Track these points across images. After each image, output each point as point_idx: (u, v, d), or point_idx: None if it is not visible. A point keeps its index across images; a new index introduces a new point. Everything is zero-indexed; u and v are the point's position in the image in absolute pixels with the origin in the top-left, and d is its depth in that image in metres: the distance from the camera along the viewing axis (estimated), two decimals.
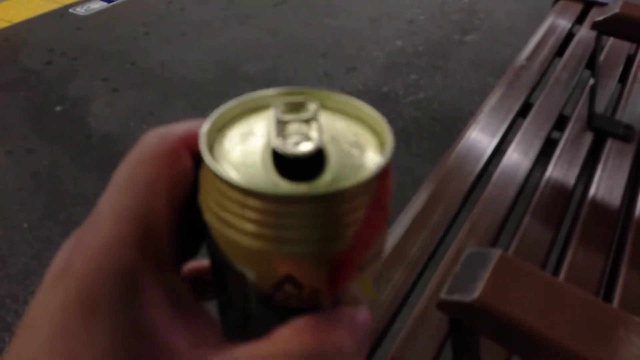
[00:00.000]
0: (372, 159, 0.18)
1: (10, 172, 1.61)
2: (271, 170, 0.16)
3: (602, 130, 1.00)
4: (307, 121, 0.17)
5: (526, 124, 1.06)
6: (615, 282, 0.76)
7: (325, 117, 0.19)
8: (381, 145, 0.18)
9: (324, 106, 0.19)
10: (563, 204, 0.89)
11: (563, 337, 0.41)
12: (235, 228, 0.16)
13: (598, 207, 0.88)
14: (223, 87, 2.00)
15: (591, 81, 1.00)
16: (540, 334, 0.41)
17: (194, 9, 2.59)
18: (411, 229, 0.80)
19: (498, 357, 0.61)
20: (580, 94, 1.13)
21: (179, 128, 0.18)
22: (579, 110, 1.07)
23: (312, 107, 0.18)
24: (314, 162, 0.17)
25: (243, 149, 0.17)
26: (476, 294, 0.42)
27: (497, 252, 0.46)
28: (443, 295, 0.44)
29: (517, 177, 0.93)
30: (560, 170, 0.95)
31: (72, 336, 0.14)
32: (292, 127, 0.17)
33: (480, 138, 1.02)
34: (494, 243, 0.80)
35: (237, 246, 0.16)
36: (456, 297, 0.43)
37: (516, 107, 1.09)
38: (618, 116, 1.04)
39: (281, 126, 0.17)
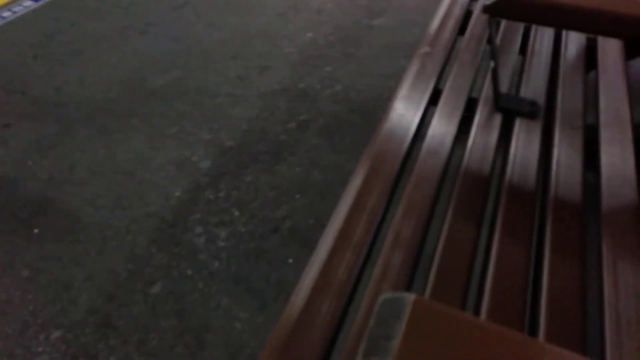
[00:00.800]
0: None
1: None
2: None
3: (509, 110, 1.01)
4: None
5: (438, 111, 1.05)
6: (542, 266, 0.76)
7: None
8: None
9: None
10: (483, 191, 0.88)
11: None
12: None
13: (515, 189, 0.89)
14: (130, 106, 1.86)
15: (492, 64, 0.99)
16: None
17: (87, 23, 2.39)
18: (336, 245, 0.76)
19: None
20: (486, 72, 1.13)
21: None
22: (486, 91, 1.06)
23: None
24: None
25: None
26: (393, 356, 0.38)
27: (410, 299, 0.42)
28: (360, 359, 0.40)
29: (437, 166, 0.91)
30: (476, 158, 0.94)
31: None
32: None
33: (396, 132, 0.99)
34: (420, 250, 0.77)
35: None
36: None
37: (426, 95, 1.07)
38: (522, 92, 1.05)
39: None
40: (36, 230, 1.43)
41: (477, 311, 0.71)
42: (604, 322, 0.70)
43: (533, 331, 0.70)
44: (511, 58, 1.16)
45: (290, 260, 1.32)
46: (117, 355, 1.14)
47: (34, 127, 1.78)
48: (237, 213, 1.45)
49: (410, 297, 0.42)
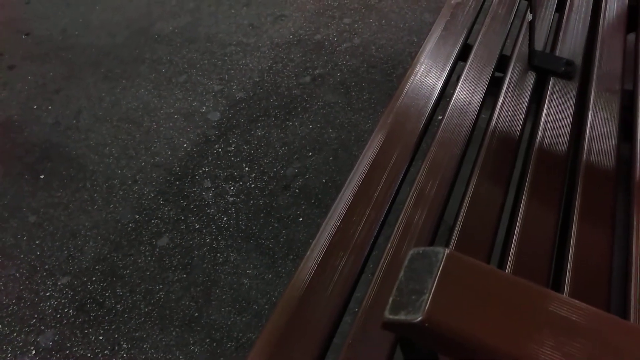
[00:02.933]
0: None
1: None
2: None
3: (544, 69, 0.94)
4: None
5: (467, 68, 0.98)
6: (569, 230, 0.72)
7: None
8: None
9: None
10: (512, 152, 0.83)
11: (524, 350, 0.35)
12: None
13: (546, 152, 0.84)
14: (136, 51, 1.79)
15: (529, 16, 0.92)
16: (497, 350, 0.35)
17: None
18: (356, 201, 0.73)
19: None
20: (519, 30, 1.05)
21: None
22: (520, 49, 0.99)
23: None
24: None
25: None
26: (424, 311, 0.35)
27: (443, 253, 0.38)
28: (388, 314, 0.37)
29: (464, 125, 0.86)
30: (506, 117, 0.89)
31: None
32: None
33: (421, 88, 0.93)
34: (443, 210, 0.73)
35: None
36: (402, 316, 0.36)
37: (455, 50, 1.01)
38: (558, 52, 0.98)
39: None
40: (42, 176, 1.40)
41: None
42: (629, 287, 0.67)
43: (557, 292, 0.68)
44: (548, 14, 1.08)
45: (301, 219, 1.29)
46: (124, 304, 1.13)
47: (39, 70, 1.72)
48: (247, 168, 1.41)
49: (443, 251, 0.39)
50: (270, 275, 1.17)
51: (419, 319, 0.36)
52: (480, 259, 0.69)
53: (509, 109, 0.90)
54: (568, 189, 0.81)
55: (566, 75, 0.94)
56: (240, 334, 1.08)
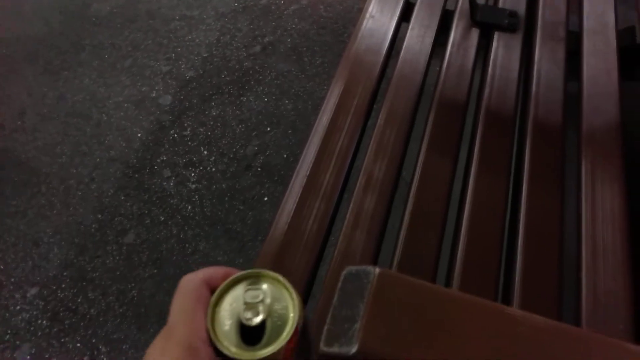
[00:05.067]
0: (287, 329, 0.35)
1: None
2: (235, 333, 0.35)
3: (487, 24, 0.92)
4: (259, 303, 0.36)
5: (410, 29, 0.95)
6: (520, 193, 0.73)
7: (270, 291, 0.37)
8: (294, 317, 0.36)
9: (270, 278, 0.37)
10: (461, 114, 0.82)
11: None
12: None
13: (495, 111, 0.83)
14: (75, 38, 1.69)
15: None
16: None
17: None
18: (319, 158, 0.73)
19: None
20: None
21: (201, 274, 0.37)
22: (462, 4, 0.96)
23: (261, 294, 0.36)
24: (259, 328, 0.35)
25: (227, 321, 0.35)
26: (357, 342, 0.35)
27: (374, 273, 0.38)
28: (322, 346, 0.36)
29: (414, 85, 0.85)
30: (454, 75, 0.87)
31: None
32: (250, 307, 0.36)
33: (367, 52, 0.91)
34: (402, 160, 0.74)
35: None
36: (336, 349, 0.35)
37: (397, 11, 0.97)
38: (501, 3, 0.95)
39: (245, 306, 0.36)
40: None
41: (455, 240, 0.69)
42: (580, 248, 0.69)
43: (510, 257, 0.69)
44: None
45: (266, 199, 1.28)
46: (97, 307, 1.13)
47: None
48: (205, 152, 1.38)
49: (374, 270, 0.38)
50: (241, 260, 1.18)
51: (353, 350, 0.35)
52: (434, 233, 0.70)
53: (456, 68, 0.88)
54: (518, 147, 0.82)
55: (510, 28, 0.91)
56: None
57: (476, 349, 0.35)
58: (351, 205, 0.70)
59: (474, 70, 0.88)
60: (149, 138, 1.41)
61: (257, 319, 0.35)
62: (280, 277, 0.37)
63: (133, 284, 1.16)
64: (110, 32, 1.70)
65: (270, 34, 1.62)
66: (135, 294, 1.14)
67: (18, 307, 1.14)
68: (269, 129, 1.40)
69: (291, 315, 0.36)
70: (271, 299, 0.36)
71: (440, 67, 0.89)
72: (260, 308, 0.35)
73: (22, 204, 1.31)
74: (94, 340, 1.08)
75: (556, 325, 0.36)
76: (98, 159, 1.38)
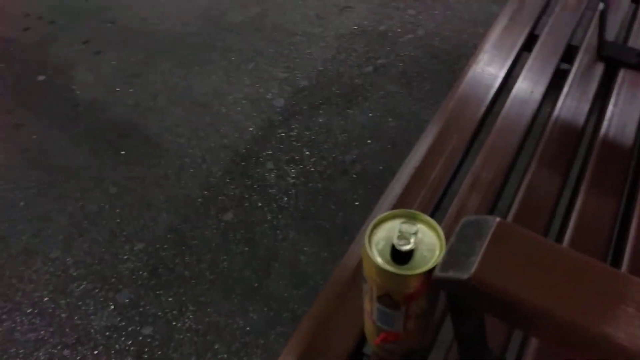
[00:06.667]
0: (433, 260, 0.42)
1: (0, 150, 1.57)
2: (389, 255, 0.43)
3: (614, 60, 0.92)
4: (412, 234, 0.42)
5: (532, 58, 0.98)
6: (628, 228, 0.72)
7: (421, 229, 0.44)
8: (440, 251, 0.43)
9: (422, 221, 0.45)
10: (572, 144, 0.83)
11: (566, 311, 0.37)
12: (373, 279, 0.44)
13: (610, 145, 0.83)
14: (208, 39, 1.90)
15: (601, 5, 0.90)
16: (541, 309, 0.38)
17: None
18: (409, 186, 0.76)
19: (500, 330, 0.59)
20: (590, 20, 1.03)
21: None
22: (589, 39, 0.98)
23: (415, 229, 0.43)
24: (409, 254, 0.42)
25: (382, 242, 0.43)
26: (472, 270, 0.38)
27: (494, 221, 0.41)
28: (438, 271, 0.41)
29: (524, 118, 0.86)
30: (570, 107, 0.88)
31: None
32: (403, 237, 0.42)
33: (483, 77, 0.94)
34: (498, 197, 0.75)
35: (374, 283, 0.44)
36: (451, 274, 0.39)
37: (521, 39, 1.00)
38: (631, 43, 0.96)
39: (399, 234, 0.42)
40: (123, 152, 1.54)
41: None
42: None
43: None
44: (623, 4, 1.05)
45: (357, 203, 1.34)
46: (191, 271, 1.24)
47: (122, 56, 1.87)
48: (307, 153, 1.47)
49: (494, 219, 0.42)
50: (325, 254, 1.23)
51: (467, 276, 0.39)
52: None
53: (574, 100, 0.89)
54: (631, 183, 0.80)
55: (638, 66, 0.91)
56: (296, 306, 1.15)
57: (579, 301, 0.37)
58: None
59: (593, 103, 0.89)
60: (259, 133, 1.54)
61: (407, 247, 0.41)
62: (433, 222, 0.44)
63: (225, 257, 1.25)
64: (239, 38, 1.89)
65: (383, 57, 1.72)
66: (226, 266, 1.24)
67: (125, 257, 1.28)
68: (369, 141, 1.47)
69: (437, 252, 0.42)
70: (422, 235, 0.43)
71: (558, 96, 0.90)
72: (412, 239, 0.42)
73: (142, 171, 1.48)
74: (183, 299, 1.18)
75: None
76: (212, 144, 1.53)
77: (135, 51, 1.89)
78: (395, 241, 0.42)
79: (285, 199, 1.36)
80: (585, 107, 0.88)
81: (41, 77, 1.81)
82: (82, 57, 1.87)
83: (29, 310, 1.20)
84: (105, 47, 1.92)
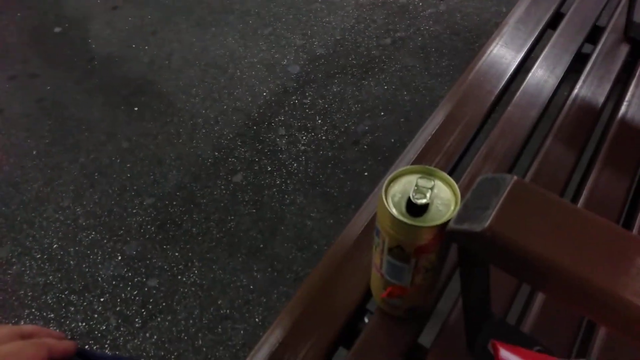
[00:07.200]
0: (447, 214, 0.42)
1: (15, 98, 1.58)
2: (404, 207, 0.43)
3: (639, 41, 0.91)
4: (428, 189, 0.43)
5: (555, 36, 0.96)
6: (638, 207, 0.72)
7: (437, 185, 0.44)
8: (455, 207, 0.43)
9: (439, 177, 0.45)
10: (589, 123, 0.82)
11: (577, 266, 0.38)
12: (387, 230, 0.44)
13: (627, 126, 0.82)
14: (227, 2, 1.88)
15: None
16: (551, 263, 0.38)
17: None
18: (424, 151, 0.76)
19: (506, 288, 0.60)
20: (619, 0, 1.01)
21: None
22: (616, 20, 0.96)
23: (431, 184, 0.44)
24: (424, 208, 0.43)
25: (398, 194, 0.44)
26: (487, 222, 0.39)
27: (511, 178, 0.41)
28: (452, 224, 0.41)
29: (542, 96, 0.85)
30: (590, 87, 0.87)
31: None
32: (420, 191, 0.43)
33: (503, 53, 0.93)
34: (512, 167, 0.75)
35: (387, 235, 0.45)
36: (466, 226, 0.40)
37: (546, 18, 0.99)
38: None
39: (416, 188, 0.43)
40: (136, 108, 1.54)
41: None
42: None
43: None
44: None
45: (366, 174, 1.34)
46: (199, 228, 1.25)
47: (138, 12, 1.86)
48: (319, 121, 1.47)
49: (511, 177, 0.42)
50: (331, 221, 1.24)
51: (481, 229, 0.39)
52: None
53: (595, 79, 0.88)
54: None
55: None
56: (300, 268, 1.16)
57: (590, 258, 0.38)
58: None
59: (615, 83, 0.88)
60: (273, 98, 1.54)
61: (423, 200, 0.42)
62: (450, 178, 0.44)
63: (232, 217, 1.27)
64: (257, 1, 1.87)
65: (402, 30, 1.69)
66: (233, 226, 1.25)
67: (134, 211, 1.30)
68: (382, 113, 1.47)
69: (452, 207, 0.43)
70: (438, 190, 0.44)
71: (580, 73, 0.89)
72: (428, 194, 0.42)
73: (155, 128, 1.49)
74: (190, 254, 1.20)
75: None
76: (225, 106, 1.53)
77: (153, 9, 1.87)
78: (412, 194, 0.42)
79: (295, 165, 1.37)
80: (607, 87, 0.87)
81: (57, 29, 1.80)
82: (99, 11, 1.86)
83: (38, 256, 1.22)
84: (123, 2, 1.90)
